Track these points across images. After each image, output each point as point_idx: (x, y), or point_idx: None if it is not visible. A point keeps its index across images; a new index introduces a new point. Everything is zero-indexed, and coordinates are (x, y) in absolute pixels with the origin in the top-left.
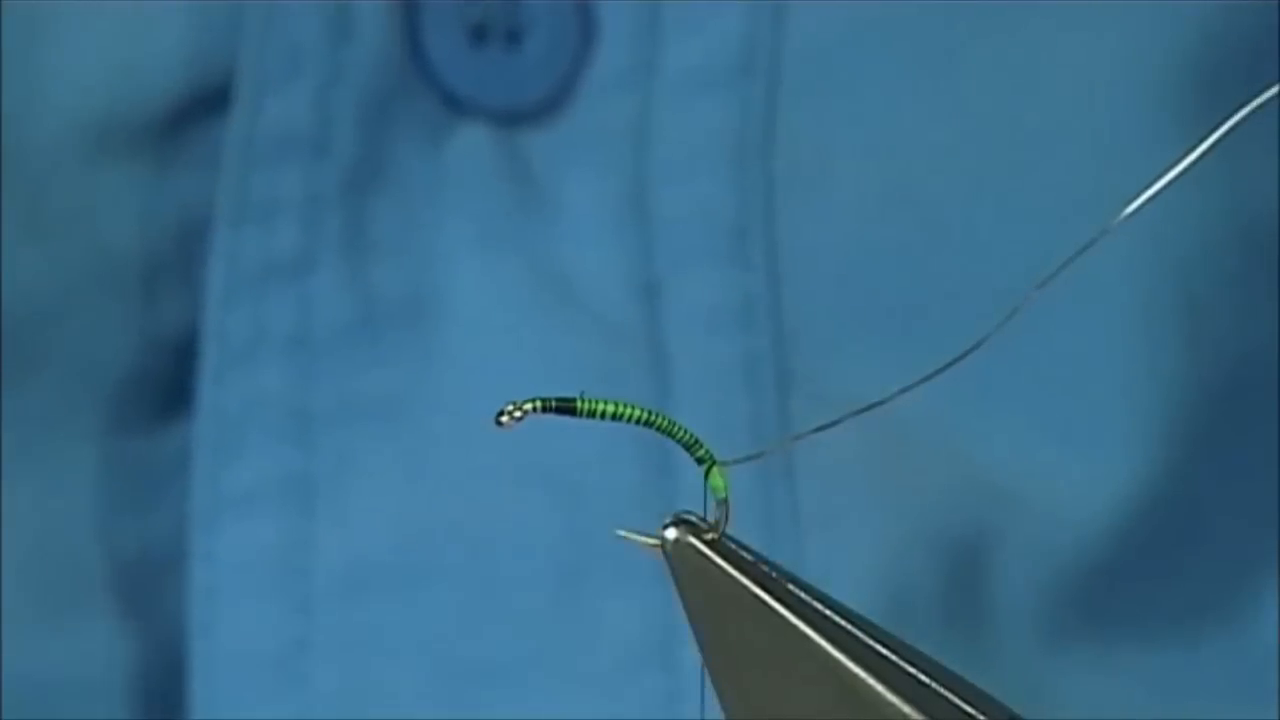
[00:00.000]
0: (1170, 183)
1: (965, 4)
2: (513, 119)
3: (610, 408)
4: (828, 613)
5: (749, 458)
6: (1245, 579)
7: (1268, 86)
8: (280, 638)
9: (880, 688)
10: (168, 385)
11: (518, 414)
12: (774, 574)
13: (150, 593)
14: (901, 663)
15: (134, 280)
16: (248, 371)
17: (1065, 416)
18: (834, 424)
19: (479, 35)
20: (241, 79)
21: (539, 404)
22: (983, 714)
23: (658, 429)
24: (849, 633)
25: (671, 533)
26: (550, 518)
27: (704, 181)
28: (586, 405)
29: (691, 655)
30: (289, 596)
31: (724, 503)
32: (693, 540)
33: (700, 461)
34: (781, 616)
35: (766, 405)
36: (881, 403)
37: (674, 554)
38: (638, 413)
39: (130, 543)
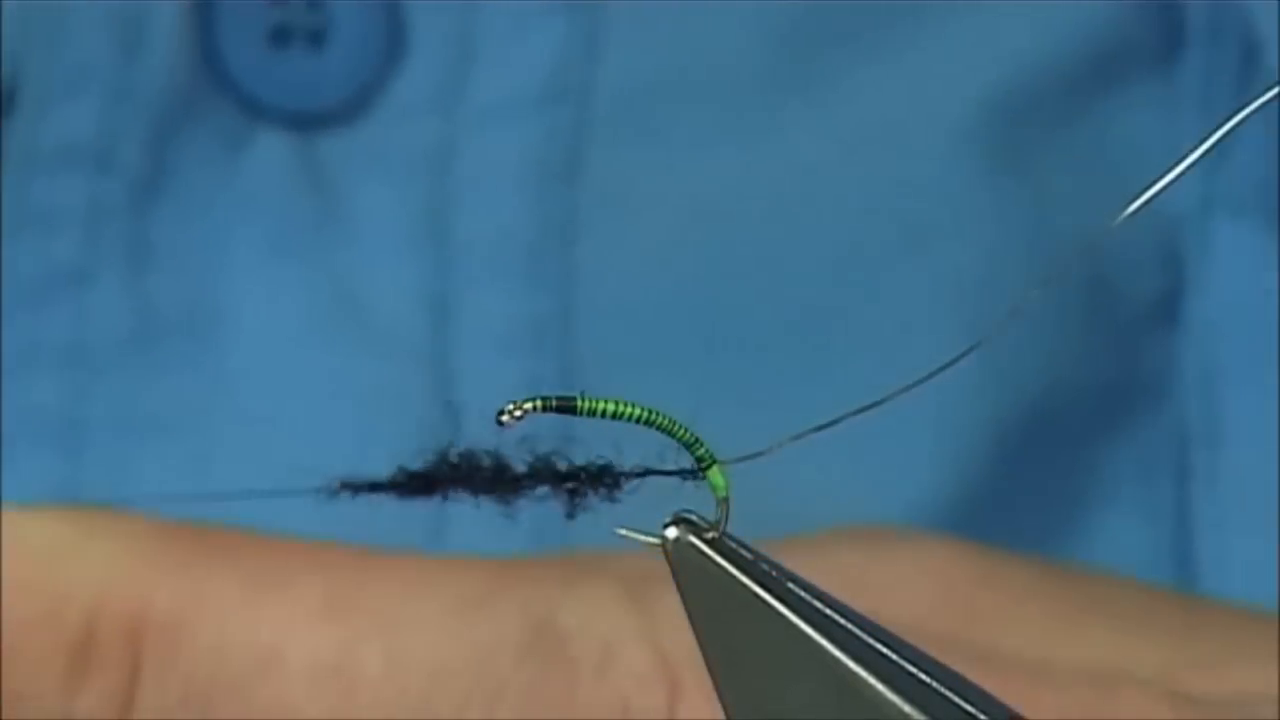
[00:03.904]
0: (1169, 184)
1: (778, 49)
2: (312, 123)
3: (610, 406)
4: (828, 611)
5: (749, 457)
6: None
7: (1268, 87)
8: None
9: (880, 687)
10: None
11: (518, 414)
12: (774, 573)
13: None
14: (901, 662)
15: None
16: (21, 382)
17: (862, 448)
18: (833, 424)
19: (280, 38)
20: (25, 89)
21: (539, 403)
22: (983, 713)
23: (658, 428)
24: (849, 631)
25: (672, 531)
26: (326, 531)
27: (504, 203)
28: (587, 404)
29: None
30: None
31: (724, 502)
32: (693, 539)
33: (700, 460)
34: (781, 615)
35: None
36: (880, 403)
37: (674, 553)
38: (637, 411)
39: None
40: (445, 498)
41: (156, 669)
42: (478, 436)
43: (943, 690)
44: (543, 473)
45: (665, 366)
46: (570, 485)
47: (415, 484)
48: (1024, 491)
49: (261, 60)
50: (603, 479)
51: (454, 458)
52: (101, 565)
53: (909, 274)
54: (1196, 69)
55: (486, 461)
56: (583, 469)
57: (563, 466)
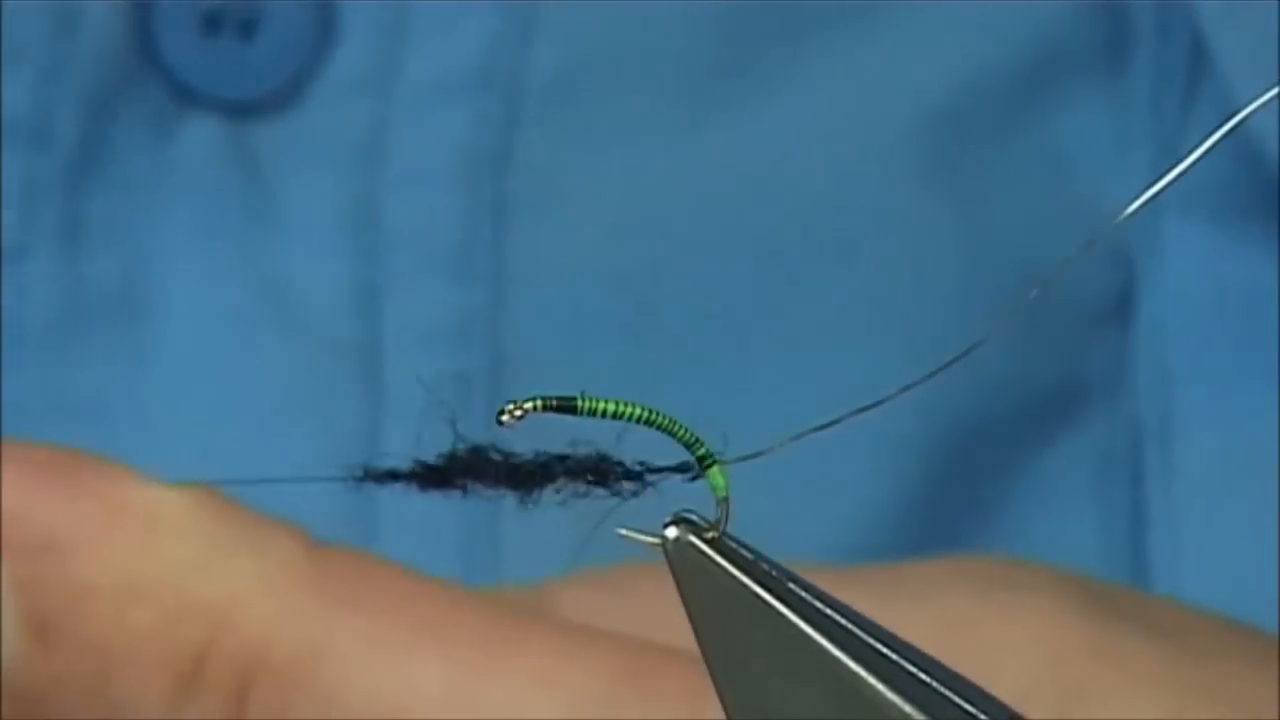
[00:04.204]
0: (1169, 184)
1: (715, 44)
2: (243, 111)
3: (610, 406)
4: (828, 611)
5: (749, 457)
6: None
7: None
8: None
9: (880, 686)
10: None
11: (518, 413)
12: (774, 573)
13: None
14: (902, 661)
15: None
16: None
17: (804, 462)
18: (834, 423)
19: (213, 25)
20: None
21: (539, 403)
22: (983, 713)
23: (658, 428)
24: (849, 631)
25: (672, 531)
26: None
27: (434, 193)
28: (587, 404)
29: None
30: None
31: (724, 501)
32: (693, 539)
33: (701, 460)
34: (782, 615)
35: (477, 424)
36: (884, 401)
37: (674, 552)
38: (638, 411)
39: None
40: (465, 491)
41: (260, 716)
42: (400, 431)
43: (943, 690)
44: (551, 469)
45: (593, 361)
46: (575, 484)
47: (434, 476)
48: (979, 492)
49: (194, 47)
50: (604, 480)
51: (463, 452)
52: (233, 588)
53: (840, 274)
54: (1146, 68)
55: (495, 457)
56: (586, 467)
57: (568, 464)
